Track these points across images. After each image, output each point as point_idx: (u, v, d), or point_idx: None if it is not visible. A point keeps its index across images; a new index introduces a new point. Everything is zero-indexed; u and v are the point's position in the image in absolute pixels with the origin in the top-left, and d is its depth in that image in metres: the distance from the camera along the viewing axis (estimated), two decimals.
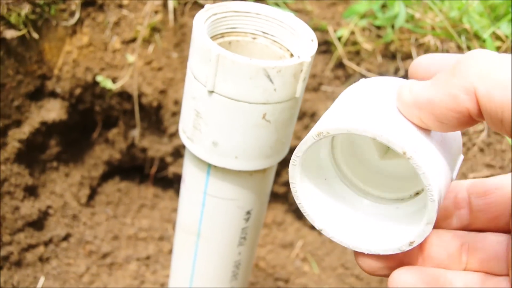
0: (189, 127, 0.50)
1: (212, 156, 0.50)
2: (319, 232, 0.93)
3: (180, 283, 0.62)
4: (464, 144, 0.77)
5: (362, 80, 0.37)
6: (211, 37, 0.47)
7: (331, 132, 0.32)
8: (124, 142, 0.92)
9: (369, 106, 0.33)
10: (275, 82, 0.45)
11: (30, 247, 0.82)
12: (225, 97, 0.46)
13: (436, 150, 0.32)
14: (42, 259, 0.84)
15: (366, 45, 0.82)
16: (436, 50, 0.78)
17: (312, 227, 0.93)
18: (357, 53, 0.83)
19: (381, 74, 0.82)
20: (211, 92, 0.46)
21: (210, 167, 0.52)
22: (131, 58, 0.81)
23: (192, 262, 0.59)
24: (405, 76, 0.82)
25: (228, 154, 0.49)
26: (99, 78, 0.81)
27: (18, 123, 0.80)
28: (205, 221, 0.55)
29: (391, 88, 0.34)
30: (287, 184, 0.94)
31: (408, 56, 0.81)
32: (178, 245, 0.61)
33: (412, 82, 0.32)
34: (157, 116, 0.88)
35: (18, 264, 0.81)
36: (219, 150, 0.49)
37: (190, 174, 0.54)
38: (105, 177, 0.96)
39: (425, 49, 0.79)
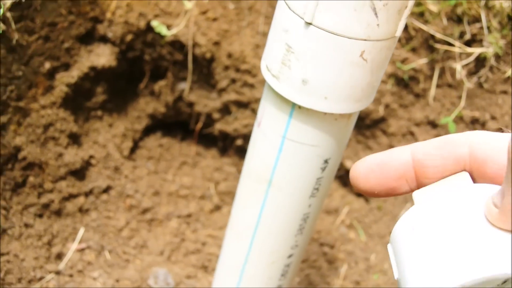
0: (276, 64, 0.47)
1: (300, 96, 0.47)
2: (366, 199, 0.90)
3: (241, 235, 0.59)
4: None
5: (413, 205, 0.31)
6: None
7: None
8: (171, 95, 0.89)
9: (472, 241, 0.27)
10: (379, 17, 0.42)
11: (71, 196, 0.80)
12: (324, 30, 0.43)
13: None
14: (82, 210, 0.81)
15: (432, 7, 0.78)
16: (510, 13, 0.74)
17: (358, 194, 0.90)
18: (421, 14, 0.80)
19: (446, 35, 0.78)
20: (309, 24, 0.43)
21: (294, 109, 0.49)
22: (189, 4, 0.77)
23: (259, 212, 0.56)
24: (471, 41, 0.79)
25: (317, 93, 0.46)
26: (154, 23, 0.77)
27: (66, 66, 0.77)
28: (280, 168, 0.52)
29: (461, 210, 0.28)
30: None
31: (475, 20, 0.77)
32: (243, 194, 0.58)
33: (489, 199, 0.27)
34: (208, 69, 0.85)
35: (58, 213, 0.78)
36: (309, 89, 0.46)
37: (268, 116, 0.51)
38: (147, 131, 0.93)
39: (494, 13, 0.76)
